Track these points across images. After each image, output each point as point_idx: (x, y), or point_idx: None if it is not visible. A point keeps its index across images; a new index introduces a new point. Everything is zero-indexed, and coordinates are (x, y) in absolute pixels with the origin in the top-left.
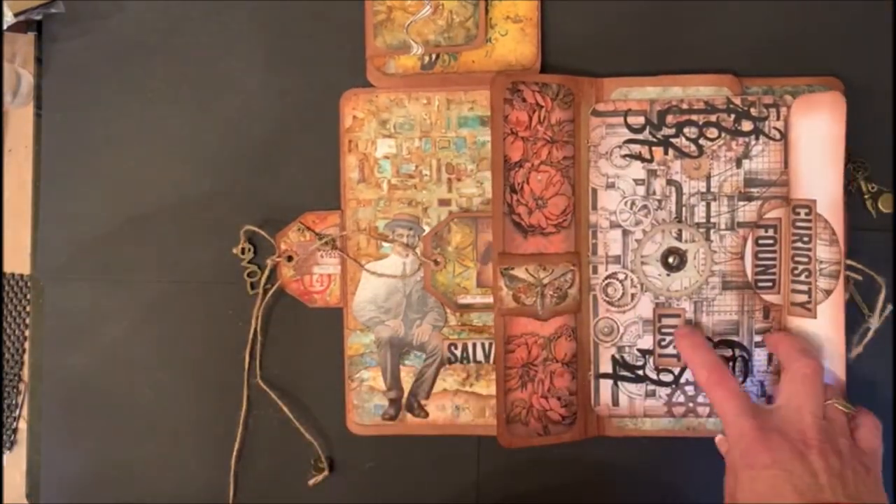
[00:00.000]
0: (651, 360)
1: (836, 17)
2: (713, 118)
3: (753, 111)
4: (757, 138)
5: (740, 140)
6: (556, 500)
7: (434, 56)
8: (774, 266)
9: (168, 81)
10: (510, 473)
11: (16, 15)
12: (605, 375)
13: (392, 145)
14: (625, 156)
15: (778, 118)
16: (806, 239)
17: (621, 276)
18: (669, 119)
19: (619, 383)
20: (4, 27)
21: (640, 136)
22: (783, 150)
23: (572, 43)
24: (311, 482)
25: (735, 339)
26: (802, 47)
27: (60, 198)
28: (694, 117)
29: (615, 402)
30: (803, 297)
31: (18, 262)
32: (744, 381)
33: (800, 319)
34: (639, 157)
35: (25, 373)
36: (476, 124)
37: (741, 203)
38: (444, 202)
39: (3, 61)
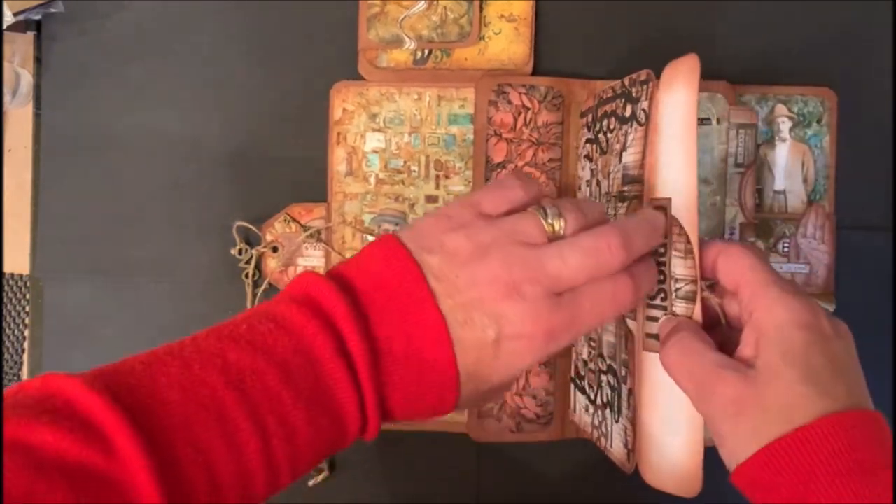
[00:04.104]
0: (586, 373)
1: (832, 26)
2: (614, 106)
3: (634, 92)
4: (631, 124)
5: (623, 129)
6: (557, 500)
7: (427, 51)
8: None
9: (166, 81)
10: (510, 473)
11: (15, 14)
12: (572, 379)
13: (381, 139)
14: (584, 156)
15: (646, 97)
16: (662, 250)
17: None
18: (600, 112)
19: (576, 391)
20: (4, 27)
21: (589, 134)
22: (645, 136)
23: (566, 44)
24: (310, 482)
25: (614, 366)
26: (797, 56)
27: (60, 198)
28: (607, 107)
29: (574, 409)
30: (656, 328)
31: (18, 262)
32: (617, 420)
33: (655, 357)
34: (588, 157)
35: (25, 373)
36: (466, 122)
37: (620, 205)
38: (431, 199)
39: (3, 61)
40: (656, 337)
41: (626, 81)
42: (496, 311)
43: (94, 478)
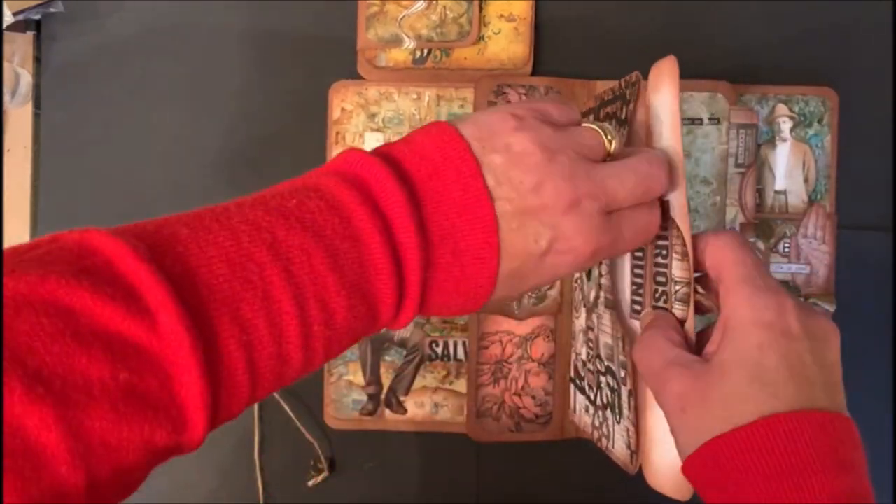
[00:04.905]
0: (586, 373)
1: (833, 26)
2: (614, 108)
3: (628, 94)
4: (625, 126)
5: (622, 131)
6: (558, 500)
7: (426, 51)
8: (642, 286)
9: (167, 81)
10: (510, 473)
11: (15, 14)
12: (571, 380)
13: (380, 139)
14: None
15: (634, 99)
16: (665, 252)
17: (580, 282)
18: (602, 113)
19: (575, 391)
20: (4, 27)
21: None
22: (626, 137)
23: (566, 44)
24: (310, 483)
25: (613, 367)
26: (798, 56)
27: (60, 198)
28: (609, 109)
29: (574, 410)
30: None
31: None
32: (619, 421)
33: None
34: None
35: None
36: None
37: None
38: None
39: (3, 61)
40: None
41: (622, 83)
42: (553, 223)
43: (133, 351)
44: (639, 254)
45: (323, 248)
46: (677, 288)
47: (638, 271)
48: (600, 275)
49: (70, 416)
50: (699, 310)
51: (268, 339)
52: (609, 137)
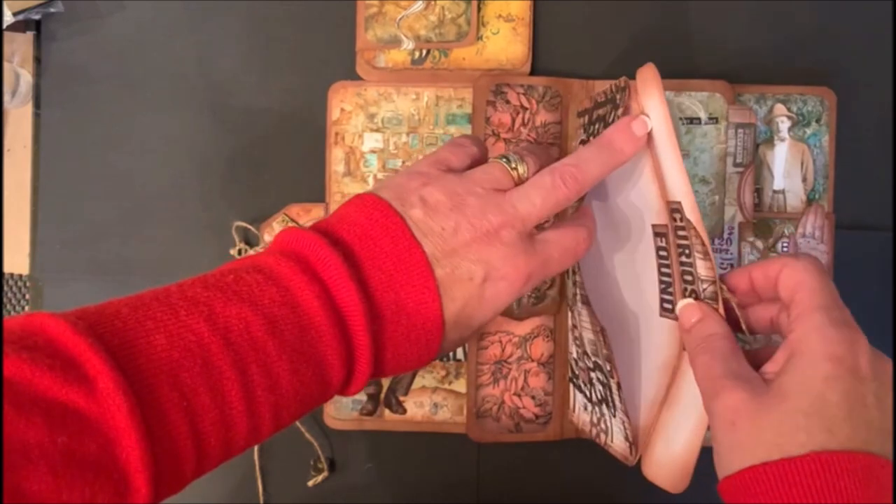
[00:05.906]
0: (580, 371)
1: (831, 25)
2: (604, 111)
3: (618, 98)
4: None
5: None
6: (558, 500)
7: (424, 52)
8: (671, 284)
9: (166, 81)
10: (510, 473)
11: (15, 14)
12: (570, 379)
13: (379, 140)
14: None
15: (623, 104)
16: (688, 252)
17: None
18: (595, 115)
19: (575, 390)
20: (4, 27)
21: (584, 136)
22: None
23: (564, 44)
24: (310, 483)
25: (599, 362)
26: (797, 56)
27: (60, 198)
28: (600, 111)
29: (573, 409)
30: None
31: (18, 262)
32: (615, 414)
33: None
34: None
35: None
36: (464, 122)
37: None
38: None
39: (3, 61)
40: None
41: (613, 87)
42: (479, 257)
43: (72, 416)
44: (664, 253)
45: (261, 315)
46: (704, 286)
47: (665, 269)
48: (574, 272)
49: (8, 478)
50: (727, 310)
51: (209, 404)
52: (513, 165)
